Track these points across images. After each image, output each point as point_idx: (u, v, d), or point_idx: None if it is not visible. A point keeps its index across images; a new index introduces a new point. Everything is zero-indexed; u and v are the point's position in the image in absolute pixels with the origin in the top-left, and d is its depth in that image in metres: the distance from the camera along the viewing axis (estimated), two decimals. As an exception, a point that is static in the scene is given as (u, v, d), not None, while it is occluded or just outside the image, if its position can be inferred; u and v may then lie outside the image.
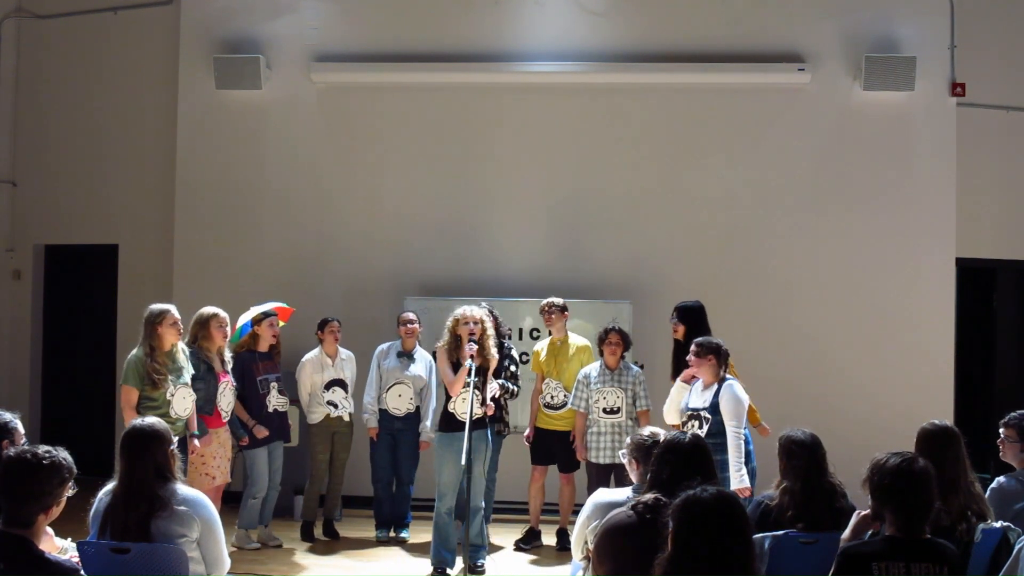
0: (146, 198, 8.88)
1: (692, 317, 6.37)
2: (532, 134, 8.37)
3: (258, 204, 8.51)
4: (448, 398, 6.15)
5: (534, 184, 8.35)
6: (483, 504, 6.25)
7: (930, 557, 3.14)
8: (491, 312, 6.64)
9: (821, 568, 3.44)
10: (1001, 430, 4.42)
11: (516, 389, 6.95)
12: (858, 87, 8.08)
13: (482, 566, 6.21)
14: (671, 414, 5.94)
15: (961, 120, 8.12)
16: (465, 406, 5.92)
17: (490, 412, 6.19)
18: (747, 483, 5.30)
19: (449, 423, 6.10)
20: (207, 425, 6.13)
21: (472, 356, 5.92)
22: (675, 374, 6.41)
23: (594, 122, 8.34)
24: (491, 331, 6.18)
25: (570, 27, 8.36)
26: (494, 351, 6.18)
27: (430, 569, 6.19)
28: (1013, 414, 4.42)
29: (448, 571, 6.15)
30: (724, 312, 7.70)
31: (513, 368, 6.93)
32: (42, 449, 3.16)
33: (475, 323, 6.04)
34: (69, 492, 3.19)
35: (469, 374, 5.87)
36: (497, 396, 6.48)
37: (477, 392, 5.96)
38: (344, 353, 7.28)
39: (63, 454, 3.19)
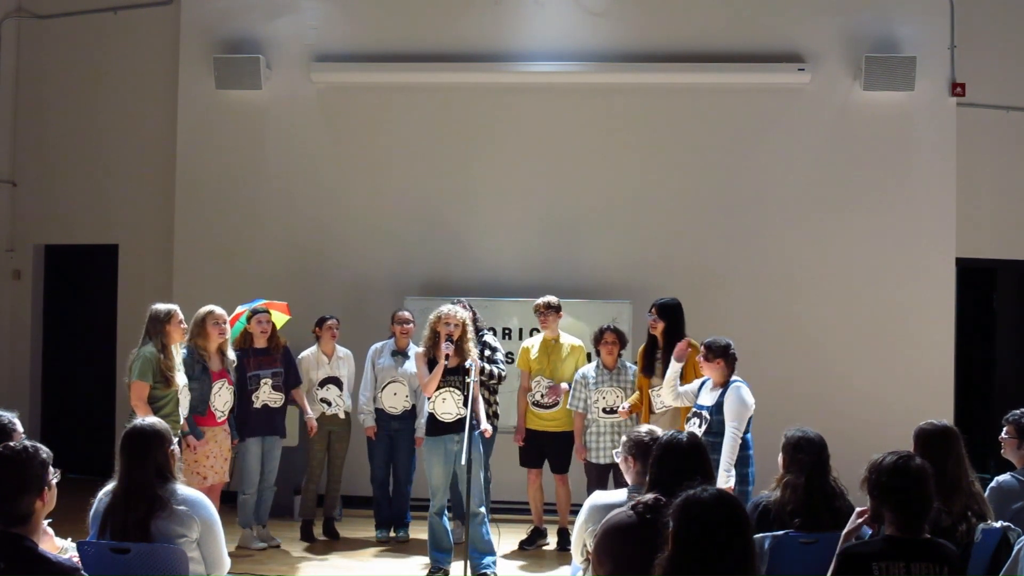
0: (146, 198, 8.87)
1: (672, 314, 6.39)
2: (532, 134, 8.37)
3: (258, 204, 8.51)
4: (428, 400, 6.09)
5: (534, 184, 8.35)
6: (482, 510, 6.03)
7: (930, 557, 3.14)
8: (468, 307, 6.59)
9: (821, 568, 3.43)
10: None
11: (501, 372, 6.73)
12: (858, 87, 8.08)
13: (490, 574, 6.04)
14: (667, 394, 6.01)
15: (961, 120, 8.12)
16: (445, 407, 5.93)
17: (487, 434, 6.11)
18: (732, 483, 5.28)
19: (433, 426, 6.02)
20: (202, 425, 6.12)
21: (448, 356, 5.84)
22: (644, 370, 6.44)
23: (594, 122, 8.34)
24: (471, 334, 6.12)
25: (570, 27, 8.36)
26: (474, 353, 6.07)
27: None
28: (1015, 411, 4.42)
29: (445, 569, 6.09)
30: (723, 312, 7.77)
31: (489, 352, 6.75)
32: (11, 443, 3.15)
33: (455, 324, 5.95)
34: (55, 478, 3.15)
35: (448, 375, 5.85)
36: (484, 381, 6.40)
37: (460, 392, 5.92)
38: (342, 351, 7.27)
39: (32, 442, 3.18)
